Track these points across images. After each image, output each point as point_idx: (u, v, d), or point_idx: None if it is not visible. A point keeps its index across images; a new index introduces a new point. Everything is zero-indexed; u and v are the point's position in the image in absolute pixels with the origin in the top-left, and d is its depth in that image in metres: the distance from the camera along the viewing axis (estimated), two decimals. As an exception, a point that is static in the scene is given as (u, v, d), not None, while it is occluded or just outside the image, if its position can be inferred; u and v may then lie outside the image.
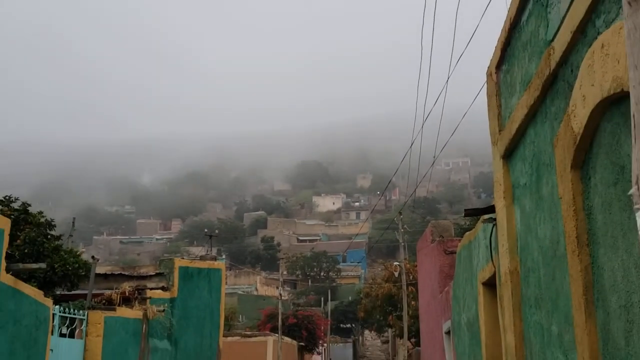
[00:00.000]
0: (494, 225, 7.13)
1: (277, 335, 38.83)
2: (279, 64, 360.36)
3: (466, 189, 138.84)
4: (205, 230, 61.70)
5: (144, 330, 16.16)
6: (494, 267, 7.34)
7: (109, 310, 14.86)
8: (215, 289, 20.25)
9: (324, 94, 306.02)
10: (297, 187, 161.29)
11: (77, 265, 14.70)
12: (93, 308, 14.47)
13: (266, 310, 47.99)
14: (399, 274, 34.29)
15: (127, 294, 16.61)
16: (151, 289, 17.79)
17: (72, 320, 13.47)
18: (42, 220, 14.99)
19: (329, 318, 57.99)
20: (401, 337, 34.79)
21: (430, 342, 16.40)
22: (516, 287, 5.87)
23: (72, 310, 13.41)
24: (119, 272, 18.98)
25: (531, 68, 5.04)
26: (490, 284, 8.29)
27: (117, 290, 16.52)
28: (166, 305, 17.54)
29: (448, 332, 13.02)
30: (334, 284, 78.74)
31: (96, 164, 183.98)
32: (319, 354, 52.63)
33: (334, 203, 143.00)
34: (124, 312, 15.46)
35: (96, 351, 13.98)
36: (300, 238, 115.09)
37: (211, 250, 49.59)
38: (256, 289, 72.33)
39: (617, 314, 3.57)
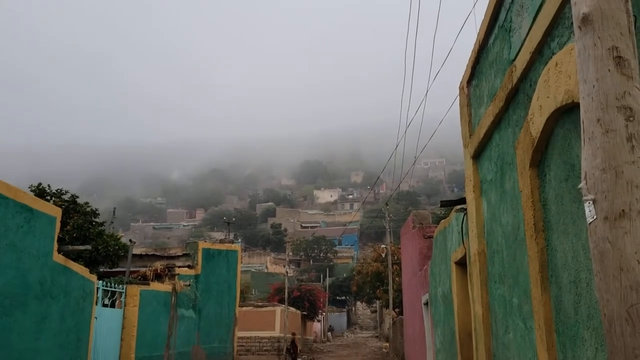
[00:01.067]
0: (465, 214, 7.11)
1: (284, 305, 38.85)
2: (287, 80, 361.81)
3: (442, 184, 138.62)
4: (224, 218, 61.57)
5: (173, 301, 16.17)
6: (465, 249, 7.33)
7: (144, 284, 14.86)
8: (232, 267, 20.26)
9: (324, 104, 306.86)
10: (301, 182, 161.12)
11: (117, 247, 14.71)
12: (130, 283, 14.47)
13: (275, 285, 47.97)
14: (386, 255, 34.29)
15: (158, 271, 16.63)
16: (179, 267, 17.80)
17: (113, 293, 13.48)
18: (88, 209, 15.00)
19: (327, 291, 58.01)
20: (387, 307, 34.82)
21: (412, 312, 16.40)
22: (483, 266, 5.85)
23: (113, 284, 13.42)
24: (152, 253, 19.01)
25: (496, 83, 5.01)
26: (462, 263, 8.28)
27: (150, 268, 16.55)
28: (191, 280, 17.56)
29: (426, 303, 13.00)
30: (331, 263, 78.79)
31: (133, 162, 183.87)
32: (318, 321, 52.67)
33: (331, 196, 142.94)
34: (156, 286, 15.47)
35: (133, 319, 14.00)
36: (303, 225, 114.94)
37: (229, 235, 49.56)
38: (266, 267, 72.22)
39: (567, 289, 3.56)
